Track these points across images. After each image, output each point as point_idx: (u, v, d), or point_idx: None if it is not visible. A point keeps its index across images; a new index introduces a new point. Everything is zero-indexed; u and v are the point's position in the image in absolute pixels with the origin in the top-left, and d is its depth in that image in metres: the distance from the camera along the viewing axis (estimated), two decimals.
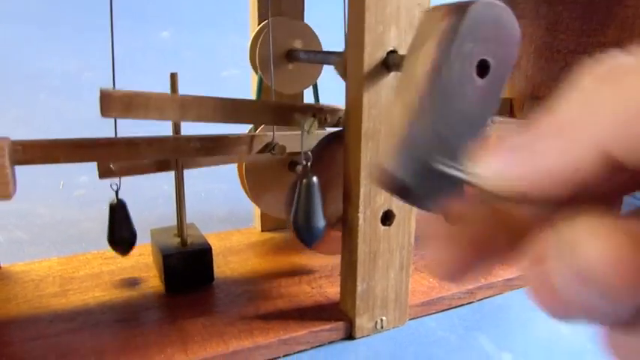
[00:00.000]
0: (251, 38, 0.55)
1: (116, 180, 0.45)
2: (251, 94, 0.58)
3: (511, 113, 0.67)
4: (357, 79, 0.38)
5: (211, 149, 0.46)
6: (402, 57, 0.37)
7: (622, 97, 0.10)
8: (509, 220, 0.13)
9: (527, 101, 0.64)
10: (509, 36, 0.18)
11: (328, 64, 0.49)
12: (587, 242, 0.10)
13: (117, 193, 0.46)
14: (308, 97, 0.59)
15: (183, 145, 0.45)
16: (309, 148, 0.46)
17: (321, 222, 0.41)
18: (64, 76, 0.95)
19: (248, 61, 0.54)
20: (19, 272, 0.52)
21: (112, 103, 0.37)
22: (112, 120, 0.44)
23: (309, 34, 0.55)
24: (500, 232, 0.13)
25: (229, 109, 0.41)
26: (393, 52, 0.37)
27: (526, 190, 0.12)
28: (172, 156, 0.46)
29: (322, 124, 0.44)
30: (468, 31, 0.17)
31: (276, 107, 0.43)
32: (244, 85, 0.60)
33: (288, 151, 0.50)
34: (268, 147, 0.49)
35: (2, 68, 0.89)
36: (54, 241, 0.65)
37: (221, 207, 0.76)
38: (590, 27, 0.63)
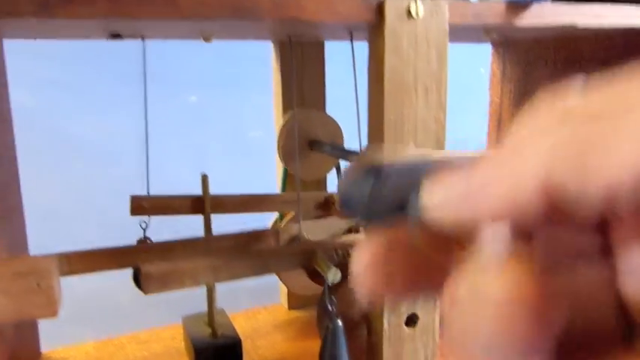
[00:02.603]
0: (278, 131, 0.57)
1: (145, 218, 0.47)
2: (276, 157, 0.60)
3: None
4: None
5: (242, 245, 0.49)
6: None
7: (564, 134, 0.10)
8: (438, 257, 0.13)
9: None
10: None
11: (347, 160, 0.51)
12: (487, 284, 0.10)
13: (144, 230, 0.47)
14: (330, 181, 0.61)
15: (216, 244, 0.48)
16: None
17: None
18: (97, 143, 1.00)
19: (273, 121, 0.57)
20: (59, 359, 0.55)
21: (152, 282, 0.42)
22: (145, 184, 0.48)
23: (331, 125, 0.57)
24: (431, 266, 0.13)
25: (257, 263, 0.44)
26: None
27: (462, 221, 0.12)
28: (206, 255, 0.48)
29: (344, 260, 0.46)
30: None
31: (300, 252, 0.46)
32: (269, 146, 0.62)
33: (313, 239, 0.52)
34: (295, 239, 0.51)
35: (36, 135, 0.94)
36: (90, 317, 0.67)
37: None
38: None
